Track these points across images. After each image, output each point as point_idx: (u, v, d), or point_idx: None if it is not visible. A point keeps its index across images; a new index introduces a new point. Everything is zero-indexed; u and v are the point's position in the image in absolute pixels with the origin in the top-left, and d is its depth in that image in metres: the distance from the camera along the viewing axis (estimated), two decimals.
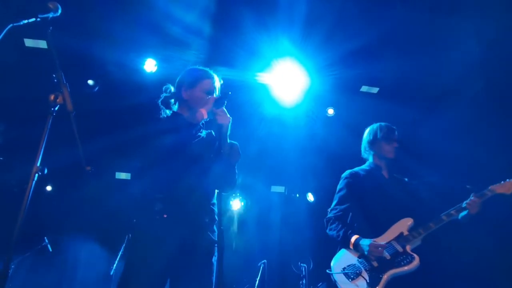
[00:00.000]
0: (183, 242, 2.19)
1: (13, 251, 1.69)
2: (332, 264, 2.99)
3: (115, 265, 4.84)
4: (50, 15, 2.00)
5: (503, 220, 4.02)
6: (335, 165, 3.15)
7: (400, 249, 2.81)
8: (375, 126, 3.31)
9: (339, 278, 2.85)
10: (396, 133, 3.25)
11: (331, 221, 3.14)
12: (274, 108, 5.64)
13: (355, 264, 2.86)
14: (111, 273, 4.81)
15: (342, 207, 3.14)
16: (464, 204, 2.90)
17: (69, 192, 6.40)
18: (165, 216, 2.21)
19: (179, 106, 2.58)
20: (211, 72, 2.63)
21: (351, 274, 2.81)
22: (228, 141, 2.46)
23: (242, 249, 7.00)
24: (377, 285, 2.69)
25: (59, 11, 2.03)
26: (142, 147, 2.34)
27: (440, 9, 4.05)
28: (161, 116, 2.55)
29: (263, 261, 5.85)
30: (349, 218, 3.14)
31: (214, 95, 2.53)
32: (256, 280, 5.64)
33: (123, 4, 4.11)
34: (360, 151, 3.41)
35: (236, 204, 7.55)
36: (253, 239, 7.11)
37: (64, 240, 6.26)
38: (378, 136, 3.21)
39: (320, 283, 5.55)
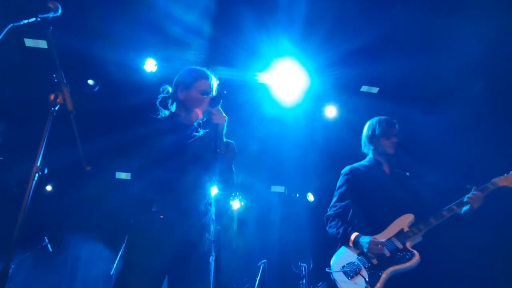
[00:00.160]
0: (179, 243, 2.20)
1: (13, 251, 1.69)
2: (331, 262, 2.96)
3: (115, 265, 4.84)
4: (50, 15, 2.00)
5: (504, 219, 4.02)
6: (335, 165, 3.14)
7: (400, 245, 2.77)
8: (374, 120, 3.26)
9: (338, 277, 2.82)
10: (396, 126, 3.19)
11: (330, 218, 3.11)
12: (274, 108, 5.64)
13: (354, 262, 2.83)
14: (111, 272, 4.81)
15: (342, 204, 3.11)
16: (465, 199, 2.84)
17: (69, 192, 6.40)
18: (161, 217, 2.22)
19: (176, 107, 2.59)
20: (208, 72, 2.63)
21: (350, 272, 2.78)
22: (224, 140, 2.47)
23: (242, 249, 7.00)
24: (376, 283, 2.66)
25: (59, 11, 2.03)
26: (139, 148, 2.35)
27: (440, 9, 4.05)
28: (158, 117, 2.56)
29: (263, 261, 5.85)
30: (349, 215, 3.10)
31: (211, 95, 2.53)
32: (256, 280, 5.65)
33: (123, 4, 4.11)
34: (360, 151, 3.37)
35: (236, 204, 7.56)
36: (253, 239, 7.11)
37: (64, 239, 6.25)
38: (377, 132, 3.16)
39: (320, 283, 5.56)
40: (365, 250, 2.77)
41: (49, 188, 6.75)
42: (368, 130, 3.25)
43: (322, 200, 6.99)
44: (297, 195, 7.67)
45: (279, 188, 7.75)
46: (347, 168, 3.25)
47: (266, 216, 7.49)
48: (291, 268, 6.03)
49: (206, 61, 4.83)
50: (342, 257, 2.93)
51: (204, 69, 2.66)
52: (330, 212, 3.15)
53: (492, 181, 2.87)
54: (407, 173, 3.22)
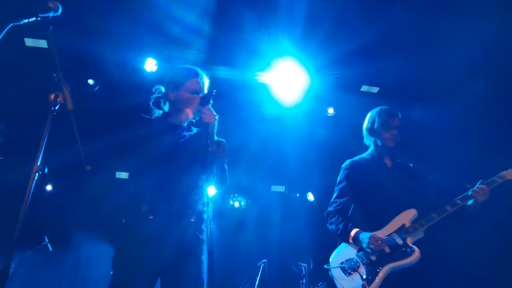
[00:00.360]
0: (170, 243, 2.21)
1: (13, 250, 1.69)
2: (331, 258, 2.92)
3: None
4: (51, 14, 2.00)
5: (506, 217, 4.01)
6: (335, 165, 3.12)
7: (400, 241, 2.68)
8: (374, 111, 3.14)
9: (337, 273, 2.77)
10: (399, 116, 3.04)
11: (331, 215, 3.04)
12: (274, 108, 5.64)
13: (353, 258, 2.77)
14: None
15: (342, 200, 3.03)
16: (470, 192, 2.74)
17: (69, 191, 6.40)
18: (151, 217, 2.23)
19: (169, 106, 2.59)
20: (199, 70, 2.62)
21: (348, 268, 2.72)
22: (216, 138, 2.46)
23: (242, 249, 7.00)
24: (374, 279, 2.59)
25: (60, 11, 2.03)
26: (130, 148, 2.35)
27: (440, 9, 4.05)
28: (153, 117, 2.56)
29: (263, 261, 5.85)
30: (350, 211, 3.03)
31: (201, 94, 2.52)
32: (256, 280, 5.65)
33: (124, 3, 4.11)
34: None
35: (236, 204, 7.56)
36: (253, 238, 7.11)
37: (64, 239, 6.25)
38: (376, 124, 3.04)
39: (320, 283, 5.56)
40: (364, 245, 2.70)
41: (49, 187, 6.75)
42: (368, 122, 3.14)
43: (322, 200, 6.99)
44: (297, 194, 7.67)
45: (279, 188, 7.75)
46: (347, 162, 3.16)
47: (266, 216, 7.49)
48: (291, 268, 6.04)
49: (206, 60, 4.84)
50: (342, 253, 2.88)
51: (195, 67, 2.65)
52: (330, 208, 3.07)
53: (499, 174, 2.77)
54: (411, 164, 3.12)
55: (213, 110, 2.40)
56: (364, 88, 5.42)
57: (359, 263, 2.72)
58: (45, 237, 5.65)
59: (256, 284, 5.59)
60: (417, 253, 2.59)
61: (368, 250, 2.69)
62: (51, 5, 1.99)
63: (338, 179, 3.14)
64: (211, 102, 2.41)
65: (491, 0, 3.89)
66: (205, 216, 2.43)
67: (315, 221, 6.73)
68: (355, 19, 4.27)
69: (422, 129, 4.73)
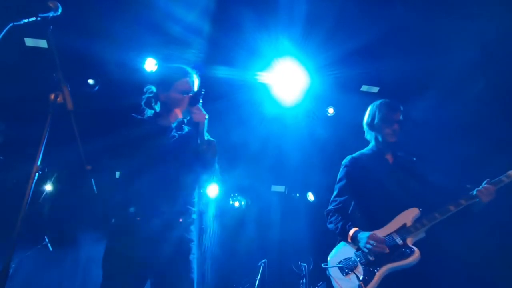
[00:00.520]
0: (157, 244, 2.22)
1: (13, 250, 1.69)
2: (329, 257, 2.86)
3: None
4: (51, 14, 2.00)
5: (506, 217, 4.00)
6: (335, 165, 3.10)
7: (400, 241, 2.59)
8: (374, 105, 3.02)
9: (334, 273, 2.71)
10: (400, 109, 2.92)
11: (330, 214, 2.96)
12: (274, 108, 5.64)
13: (351, 258, 2.71)
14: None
15: (342, 198, 2.94)
16: (475, 192, 2.63)
17: (69, 191, 6.41)
18: (138, 219, 2.23)
19: (160, 107, 2.58)
20: (188, 69, 2.62)
21: (346, 268, 2.66)
22: (206, 138, 2.45)
23: (242, 249, 7.00)
24: (371, 280, 2.52)
25: (60, 10, 2.03)
26: (119, 150, 2.34)
27: (440, 9, 4.05)
28: (145, 117, 2.56)
29: (263, 261, 5.85)
30: (350, 209, 2.95)
31: (191, 94, 2.52)
32: (256, 280, 5.65)
33: (124, 3, 4.11)
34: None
35: (236, 204, 7.56)
36: (253, 238, 7.11)
37: (64, 239, 6.26)
38: (377, 119, 2.93)
39: (320, 283, 5.56)
40: (361, 245, 2.63)
41: (49, 187, 6.75)
42: (368, 116, 3.02)
43: (322, 200, 6.99)
44: (297, 194, 7.67)
45: (279, 188, 7.76)
46: (347, 158, 3.06)
47: (266, 215, 7.50)
48: (291, 268, 6.04)
49: (206, 60, 4.84)
50: (340, 252, 2.82)
51: (184, 66, 2.65)
52: (330, 207, 3.00)
53: (507, 173, 2.63)
54: (414, 158, 3.00)
55: (202, 109, 2.41)
56: (364, 88, 5.42)
57: (357, 263, 2.66)
58: (45, 237, 5.65)
59: (256, 284, 5.59)
60: (416, 254, 2.50)
61: (365, 250, 2.63)
62: (51, 5, 1.99)
63: (338, 177, 3.06)
64: (200, 101, 2.42)
65: (491, 0, 3.89)
66: (194, 216, 2.43)
67: (315, 221, 6.73)
68: (355, 19, 4.27)
69: (422, 129, 4.73)
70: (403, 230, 2.64)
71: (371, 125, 2.98)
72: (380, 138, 2.94)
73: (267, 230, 7.31)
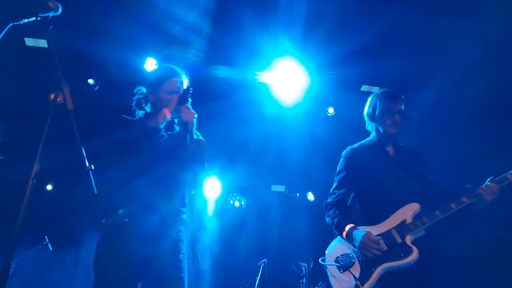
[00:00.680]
0: (146, 245, 2.22)
1: (13, 250, 1.69)
2: (327, 251, 2.78)
3: None
4: (51, 14, 2.00)
5: (507, 216, 4.00)
6: (335, 165, 3.08)
7: (398, 239, 2.51)
8: (374, 95, 2.93)
9: (331, 269, 2.65)
10: (400, 100, 2.83)
11: (329, 207, 2.88)
12: (274, 108, 5.64)
13: (349, 254, 2.63)
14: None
15: (341, 191, 2.85)
16: (477, 190, 2.54)
17: (69, 191, 6.40)
18: (126, 220, 2.24)
19: (150, 107, 2.58)
20: (176, 69, 2.61)
21: (343, 265, 2.59)
22: (195, 137, 2.44)
23: (242, 249, 7.00)
24: (368, 279, 2.46)
25: (60, 10, 2.03)
26: (109, 151, 2.33)
27: (441, 8, 4.05)
28: (135, 118, 2.55)
29: (263, 260, 5.86)
30: (349, 202, 2.88)
31: (180, 93, 2.51)
32: (256, 280, 5.65)
33: (124, 3, 4.11)
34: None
35: (236, 203, 7.57)
36: (253, 238, 7.11)
37: (64, 239, 6.26)
38: (377, 110, 2.83)
39: (320, 282, 5.56)
40: (356, 244, 2.56)
41: (49, 187, 6.75)
42: (369, 107, 2.93)
43: (322, 200, 6.98)
44: (297, 194, 7.67)
45: (279, 188, 7.76)
46: (347, 149, 2.97)
47: (266, 215, 7.50)
48: (292, 268, 6.04)
49: (206, 60, 4.84)
50: (338, 247, 2.74)
51: (173, 66, 2.64)
52: (329, 200, 2.91)
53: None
54: (415, 149, 2.94)
55: (191, 108, 2.39)
56: (364, 87, 5.42)
57: (354, 260, 2.59)
58: (45, 236, 5.65)
59: (256, 284, 5.59)
60: (414, 254, 2.43)
61: (361, 250, 2.56)
62: (51, 5, 1.99)
63: (338, 168, 2.98)
64: (189, 100, 2.40)
65: (491, 0, 3.89)
66: (184, 216, 2.43)
67: (315, 221, 6.73)
68: (355, 18, 4.27)
69: (422, 129, 4.73)
70: (402, 227, 2.56)
71: (371, 116, 2.89)
72: (381, 129, 2.85)
73: (267, 230, 7.32)
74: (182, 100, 2.40)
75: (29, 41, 4.45)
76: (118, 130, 2.39)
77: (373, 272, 2.48)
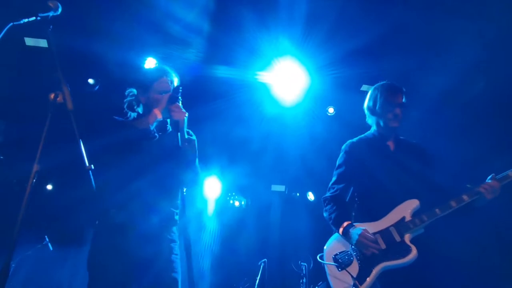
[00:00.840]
0: (138, 246, 2.22)
1: (13, 249, 1.69)
2: (325, 247, 2.73)
3: None
4: (50, 14, 2.00)
5: (506, 216, 3.99)
6: (335, 164, 3.07)
7: (397, 238, 2.47)
8: (375, 89, 2.86)
9: (330, 267, 2.61)
10: (402, 92, 2.77)
11: (327, 201, 2.83)
12: (274, 107, 5.64)
13: (348, 251, 2.59)
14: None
15: (340, 186, 2.79)
16: (478, 188, 2.49)
17: (69, 191, 6.40)
18: (119, 221, 2.24)
19: (142, 109, 2.57)
20: (166, 68, 2.60)
21: (342, 263, 2.54)
22: (186, 136, 2.42)
23: (242, 248, 7.01)
24: (366, 279, 2.42)
25: (59, 10, 2.03)
26: (100, 153, 2.32)
27: (441, 9, 4.05)
28: (128, 119, 2.54)
29: (263, 260, 5.86)
30: (348, 197, 2.82)
31: (170, 92, 2.49)
32: (256, 279, 5.65)
33: (123, 3, 4.11)
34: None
35: (236, 203, 7.57)
36: (254, 238, 7.12)
37: (64, 238, 6.26)
38: (378, 103, 2.76)
39: (321, 282, 5.56)
40: (353, 243, 2.52)
41: (49, 187, 6.75)
42: (369, 100, 2.86)
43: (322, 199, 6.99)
44: (298, 194, 7.67)
45: (279, 187, 7.76)
46: (347, 143, 2.91)
47: (266, 215, 7.51)
48: (292, 267, 6.04)
49: (206, 60, 4.84)
50: (336, 243, 2.69)
51: (163, 66, 2.65)
52: (327, 194, 2.86)
53: None
54: (415, 141, 2.89)
55: (182, 107, 2.36)
56: (364, 87, 5.41)
57: (352, 258, 2.55)
58: (45, 236, 5.65)
59: (257, 284, 5.60)
60: (413, 253, 2.39)
61: (357, 249, 2.53)
62: (51, 4, 1.99)
63: (337, 163, 2.92)
64: (180, 99, 2.38)
65: (491, 0, 3.89)
66: (176, 217, 2.42)
67: (315, 221, 6.73)
68: (355, 18, 4.27)
69: (422, 129, 4.73)
70: (401, 225, 2.51)
71: (372, 109, 2.83)
72: (381, 123, 2.78)
73: (267, 230, 7.32)
74: (172, 99, 2.37)
75: (29, 41, 4.45)
76: (109, 131, 2.38)
77: (371, 271, 2.44)
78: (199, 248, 7.18)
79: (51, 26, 2.01)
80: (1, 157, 5.87)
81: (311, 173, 6.75)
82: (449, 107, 4.95)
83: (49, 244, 5.65)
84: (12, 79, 4.89)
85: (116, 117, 2.50)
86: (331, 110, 5.87)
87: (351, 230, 2.55)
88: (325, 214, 2.81)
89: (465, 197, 2.50)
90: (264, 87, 5.34)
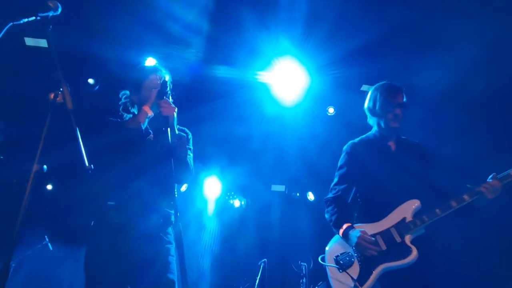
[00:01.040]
0: (138, 247, 2.21)
1: (13, 249, 1.69)
2: (327, 247, 2.74)
3: None
4: (50, 13, 2.00)
5: (507, 217, 3.99)
6: (335, 164, 3.07)
7: (398, 239, 2.47)
8: (375, 89, 2.85)
9: (331, 268, 2.62)
10: (402, 91, 2.76)
11: (328, 202, 2.83)
12: (274, 107, 5.64)
13: (349, 253, 2.59)
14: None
15: (342, 187, 2.80)
16: (479, 188, 2.48)
17: (69, 190, 6.41)
18: (115, 221, 2.24)
19: (137, 109, 2.56)
20: (156, 66, 2.60)
21: (343, 264, 2.55)
22: (177, 132, 2.39)
23: (242, 248, 7.01)
24: (366, 280, 2.43)
25: (59, 10, 2.03)
26: (98, 152, 2.28)
27: (441, 8, 4.05)
28: (123, 120, 2.52)
29: (263, 260, 5.86)
30: (350, 198, 2.82)
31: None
32: (256, 279, 5.65)
33: (123, 2, 4.11)
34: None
35: (236, 203, 7.57)
36: (254, 238, 7.12)
37: (64, 238, 6.26)
38: (378, 103, 2.75)
39: (320, 282, 5.56)
40: (352, 244, 2.54)
41: (49, 186, 6.75)
42: (369, 101, 2.84)
43: (322, 199, 6.98)
44: (298, 194, 7.67)
45: (279, 187, 7.76)
46: (349, 144, 2.91)
47: (266, 215, 7.50)
48: (292, 267, 6.04)
49: (206, 59, 4.84)
50: (337, 245, 2.70)
51: (153, 64, 2.66)
52: (329, 195, 2.86)
53: None
54: (417, 141, 2.88)
55: (171, 103, 2.33)
56: (364, 87, 5.41)
57: (354, 259, 2.55)
58: (45, 236, 5.65)
59: (256, 284, 5.60)
60: (413, 254, 2.39)
61: (357, 251, 2.55)
62: (50, 4, 1.99)
63: (339, 164, 2.92)
64: (169, 93, 2.37)
65: (491, 0, 3.89)
66: (172, 218, 2.39)
67: (315, 221, 6.73)
68: (355, 18, 4.27)
69: (422, 129, 4.73)
70: (402, 226, 2.51)
71: (372, 110, 2.81)
72: (382, 124, 2.77)
73: (267, 230, 7.32)
74: (161, 94, 2.34)
75: (29, 41, 4.45)
76: (103, 132, 2.37)
77: (372, 272, 2.45)
78: (199, 248, 7.18)
79: (51, 26, 2.00)
80: (1, 157, 5.87)
81: (311, 173, 6.75)
82: (449, 107, 4.94)
83: (49, 244, 5.65)
84: (12, 79, 4.89)
85: (111, 118, 2.49)
86: (331, 110, 5.87)
87: (351, 232, 2.56)
88: (326, 216, 2.82)
89: (465, 197, 2.49)
90: (264, 87, 5.34)
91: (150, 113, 2.41)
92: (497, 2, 3.88)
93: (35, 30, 4.25)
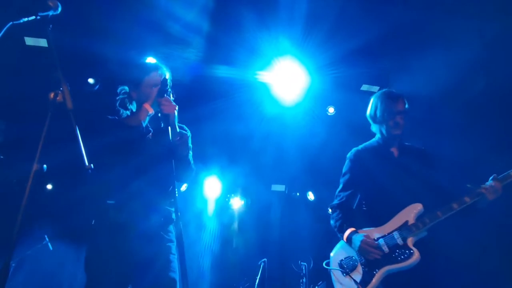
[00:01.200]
0: (139, 246, 2.21)
1: (13, 249, 1.69)
2: (332, 253, 2.82)
3: None
4: (50, 13, 1.99)
5: (508, 218, 3.99)
6: (335, 164, 3.08)
7: (400, 241, 2.52)
8: (376, 96, 2.90)
9: (335, 273, 2.70)
10: (402, 99, 2.79)
11: (333, 209, 2.91)
12: (274, 107, 5.64)
13: (352, 257, 2.66)
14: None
15: (346, 193, 2.87)
16: (480, 189, 2.51)
17: (69, 190, 6.40)
18: (116, 221, 2.23)
19: (136, 106, 2.54)
20: (157, 63, 2.59)
21: (346, 268, 2.63)
22: (178, 130, 2.38)
23: (242, 248, 7.01)
24: (369, 282, 2.49)
25: (59, 9, 2.03)
26: (97, 151, 2.26)
27: (441, 8, 4.05)
28: (121, 118, 2.50)
29: (263, 260, 5.86)
30: (355, 204, 2.89)
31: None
32: (256, 279, 5.65)
33: (123, 2, 4.11)
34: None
35: (236, 203, 7.56)
36: (253, 237, 7.12)
37: (64, 238, 6.26)
38: (379, 111, 2.80)
39: (320, 282, 5.56)
40: (356, 249, 2.62)
41: (49, 186, 6.75)
42: (371, 108, 2.90)
43: (322, 199, 7.00)
44: (298, 194, 7.67)
45: (279, 187, 7.76)
46: (352, 151, 2.98)
47: (266, 215, 7.50)
48: (292, 267, 6.04)
49: (206, 59, 4.84)
50: (342, 250, 2.77)
51: (154, 61, 2.63)
52: (334, 202, 2.93)
53: None
54: (422, 147, 2.91)
55: (172, 101, 2.31)
56: (364, 87, 5.42)
57: (357, 263, 2.62)
58: (45, 236, 5.65)
59: (256, 283, 5.60)
60: (415, 256, 2.45)
61: (361, 254, 2.61)
62: (50, 3, 1.98)
63: (343, 170, 2.99)
64: (169, 91, 2.34)
65: (491, 0, 3.89)
66: (173, 216, 2.38)
67: (315, 221, 6.73)
68: (355, 18, 4.27)
69: (422, 129, 4.73)
70: (404, 229, 2.56)
71: (374, 118, 2.87)
72: (384, 131, 2.83)
73: (267, 229, 7.32)
74: (161, 92, 2.31)
75: (29, 41, 4.45)
76: (102, 130, 2.35)
77: (374, 275, 2.51)
78: (199, 248, 7.17)
79: (51, 26, 2.00)
80: (1, 157, 5.87)
81: (311, 172, 6.75)
82: (449, 106, 4.94)
83: (49, 244, 5.65)
84: (12, 78, 4.88)
85: (109, 116, 2.47)
86: (331, 110, 5.87)
87: (354, 237, 2.64)
88: (331, 222, 2.89)
89: (466, 198, 2.52)
90: (264, 87, 5.34)
91: (151, 111, 2.40)
92: (497, 2, 3.88)
93: (35, 30, 4.25)
